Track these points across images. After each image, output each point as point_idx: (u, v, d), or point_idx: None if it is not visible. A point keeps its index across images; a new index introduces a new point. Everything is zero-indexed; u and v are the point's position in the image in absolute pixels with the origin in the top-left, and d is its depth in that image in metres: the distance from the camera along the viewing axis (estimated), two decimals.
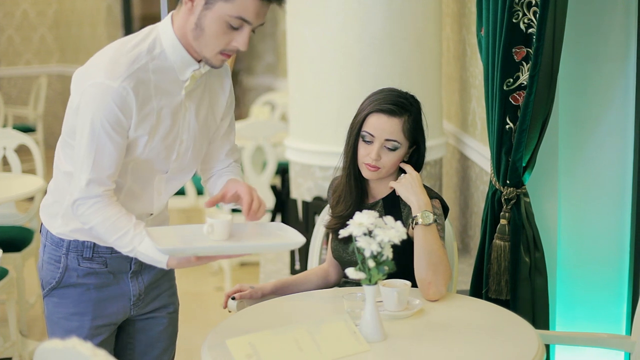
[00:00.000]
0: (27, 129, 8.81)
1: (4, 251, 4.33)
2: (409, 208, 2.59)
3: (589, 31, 3.10)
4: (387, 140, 2.59)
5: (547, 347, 3.00)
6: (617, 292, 3.23)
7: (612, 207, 3.19)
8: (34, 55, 10.80)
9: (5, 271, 3.98)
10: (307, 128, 4.22)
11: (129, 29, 10.08)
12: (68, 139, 2.30)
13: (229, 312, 2.61)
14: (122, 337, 2.54)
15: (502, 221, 3.01)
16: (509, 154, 2.94)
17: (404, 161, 2.66)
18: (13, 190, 4.39)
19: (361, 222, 2.09)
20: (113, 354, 2.51)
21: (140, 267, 2.42)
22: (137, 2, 10.63)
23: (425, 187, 2.60)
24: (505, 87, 2.89)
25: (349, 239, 2.13)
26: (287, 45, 4.38)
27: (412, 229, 2.52)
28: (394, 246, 2.11)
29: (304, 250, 3.86)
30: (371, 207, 2.68)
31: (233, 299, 2.61)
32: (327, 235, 2.91)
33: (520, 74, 2.87)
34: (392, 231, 2.09)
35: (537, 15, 2.79)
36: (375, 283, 2.13)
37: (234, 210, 5.35)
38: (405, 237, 2.11)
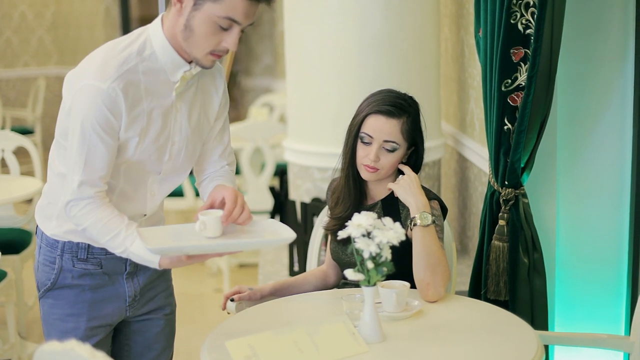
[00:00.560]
0: (26, 131, 8.81)
1: (3, 253, 4.33)
2: (408, 209, 2.59)
3: (586, 32, 3.11)
4: (386, 141, 2.59)
5: (546, 347, 3.00)
6: (616, 293, 3.23)
7: (611, 207, 3.19)
8: (32, 57, 10.79)
9: (4, 273, 3.98)
10: (306, 129, 4.22)
11: (127, 31, 10.06)
12: (61, 141, 2.30)
13: (228, 313, 2.60)
14: (119, 339, 2.53)
15: (501, 222, 3.01)
16: (508, 155, 2.94)
17: (402, 162, 2.66)
18: (11, 192, 4.39)
19: (360, 223, 2.09)
20: (110, 356, 2.51)
21: (135, 268, 2.42)
22: (135, 3, 10.64)
23: (423, 188, 2.60)
24: (503, 88, 2.90)
25: (348, 240, 2.13)
26: (285, 47, 4.38)
27: (411, 230, 2.52)
28: (392, 247, 2.11)
29: (303, 252, 3.86)
30: (370, 209, 2.68)
31: (232, 300, 2.61)
32: (325, 237, 2.91)
33: (518, 74, 2.88)
34: (390, 232, 2.09)
35: (535, 16, 2.79)
36: (374, 284, 2.13)
37: None
38: (404, 238, 2.11)
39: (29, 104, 9.35)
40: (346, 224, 2.12)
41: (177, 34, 2.21)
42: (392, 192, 2.64)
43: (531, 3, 2.81)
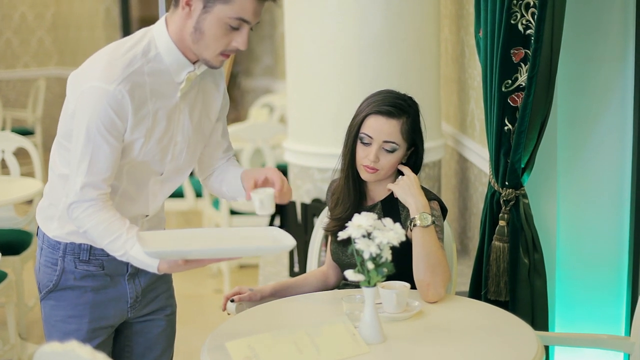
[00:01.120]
0: (26, 132, 8.81)
1: (3, 254, 4.32)
2: (408, 210, 2.58)
3: (587, 32, 3.11)
4: (386, 142, 2.59)
5: (547, 348, 3.00)
6: (616, 293, 3.23)
7: (611, 208, 3.19)
8: (32, 58, 10.79)
9: (4, 274, 3.98)
10: (306, 130, 4.22)
11: (127, 32, 10.07)
12: (63, 142, 2.30)
13: (228, 314, 2.60)
14: (120, 340, 2.53)
15: (501, 222, 3.01)
16: (508, 155, 2.94)
17: (402, 163, 2.66)
18: (12, 193, 4.39)
19: (360, 224, 2.09)
20: (111, 357, 2.51)
21: (137, 270, 2.42)
22: (135, 4, 10.64)
23: (423, 188, 2.60)
24: (503, 89, 2.90)
25: (348, 241, 2.13)
26: (285, 47, 4.38)
27: (411, 230, 2.52)
28: (392, 248, 2.11)
29: (303, 253, 3.86)
30: (370, 209, 2.68)
31: (232, 301, 2.61)
32: (326, 238, 2.91)
33: (518, 75, 2.88)
34: (390, 233, 2.09)
35: (535, 17, 2.79)
36: (374, 285, 2.13)
37: (232, 212, 5.35)
38: (404, 239, 2.11)
39: (29, 104, 9.35)
40: (346, 224, 2.12)
41: (185, 36, 2.21)
42: (392, 193, 2.64)
43: (531, 3, 2.81)
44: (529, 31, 2.83)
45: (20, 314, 4.49)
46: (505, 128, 2.93)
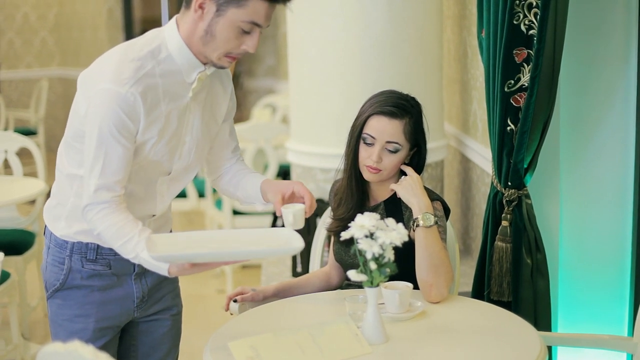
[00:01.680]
0: (29, 132, 8.82)
1: (6, 254, 4.33)
2: (411, 210, 2.58)
3: (589, 32, 3.10)
4: (388, 142, 2.59)
5: (549, 348, 3.00)
6: (619, 294, 3.23)
7: (614, 208, 3.19)
8: (35, 58, 10.81)
9: (7, 274, 3.98)
10: (308, 130, 4.22)
11: (129, 32, 10.09)
12: (73, 142, 2.30)
13: (231, 314, 2.61)
14: (126, 339, 2.54)
15: (504, 223, 3.01)
16: (510, 156, 2.94)
17: (405, 163, 2.66)
18: (14, 194, 4.39)
19: (363, 224, 2.09)
20: (116, 356, 2.52)
21: (143, 270, 2.42)
22: (138, 4, 10.65)
23: (426, 189, 2.60)
24: (506, 89, 2.89)
25: (351, 241, 2.13)
26: (287, 48, 4.38)
27: (414, 231, 2.52)
28: (395, 248, 2.11)
29: (306, 253, 3.86)
30: (373, 210, 2.68)
31: (235, 301, 2.61)
32: (328, 238, 2.91)
33: (521, 75, 2.87)
34: (393, 233, 2.09)
35: (538, 17, 2.79)
36: (377, 285, 2.13)
37: (235, 213, 5.35)
38: (406, 239, 2.11)
39: (32, 105, 9.36)
40: (349, 225, 2.12)
41: (195, 39, 2.22)
42: (395, 193, 2.64)
43: (534, 4, 2.81)
44: (531, 31, 2.83)
45: (23, 314, 4.50)
46: (508, 128, 2.92)
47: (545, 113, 2.90)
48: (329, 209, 2.82)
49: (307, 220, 4.12)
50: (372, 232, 2.08)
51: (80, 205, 2.27)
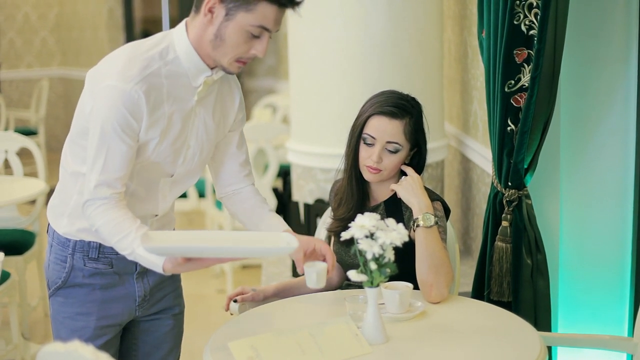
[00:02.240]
0: (29, 132, 8.82)
1: (6, 254, 4.33)
2: (411, 210, 2.58)
3: (590, 33, 3.10)
4: (389, 142, 2.59)
5: (549, 348, 3.00)
6: (619, 294, 3.23)
7: (614, 208, 3.19)
8: (35, 58, 10.81)
9: (7, 274, 3.99)
10: (309, 130, 4.22)
11: (130, 32, 10.08)
12: (77, 139, 2.31)
13: (231, 314, 2.61)
14: (127, 338, 2.54)
15: (504, 223, 3.01)
16: (511, 156, 2.94)
17: (405, 163, 2.66)
18: (15, 194, 4.40)
19: (363, 224, 2.09)
20: (118, 355, 2.52)
21: (145, 269, 2.43)
22: (138, 4, 10.65)
23: (426, 189, 2.60)
24: (506, 89, 2.89)
25: (351, 241, 2.13)
26: (288, 48, 4.39)
27: (414, 231, 2.52)
28: (395, 248, 2.11)
29: None
30: (373, 210, 2.68)
31: (235, 301, 2.61)
32: (328, 238, 2.91)
33: (521, 75, 2.88)
34: (393, 233, 2.09)
35: (538, 17, 2.79)
36: (377, 285, 2.13)
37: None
38: (407, 239, 2.11)
39: (32, 105, 9.36)
40: (349, 225, 2.12)
41: (204, 42, 2.23)
42: (395, 193, 2.64)
43: (534, 4, 2.81)
44: (532, 32, 2.83)
45: (23, 313, 4.50)
46: (508, 129, 2.92)
47: (546, 113, 2.90)
48: (329, 209, 2.82)
49: (307, 221, 4.15)
50: (373, 233, 2.08)
51: (81, 205, 2.28)
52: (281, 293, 2.68)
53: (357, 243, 2.09)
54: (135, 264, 2.40)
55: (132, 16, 10.20)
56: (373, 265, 2.08)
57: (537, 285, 3.00)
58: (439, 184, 4.29)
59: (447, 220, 2.67)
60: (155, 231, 2.28)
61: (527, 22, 2.84)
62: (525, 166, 2.95)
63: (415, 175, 2.61)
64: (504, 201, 3.00)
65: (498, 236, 3.03)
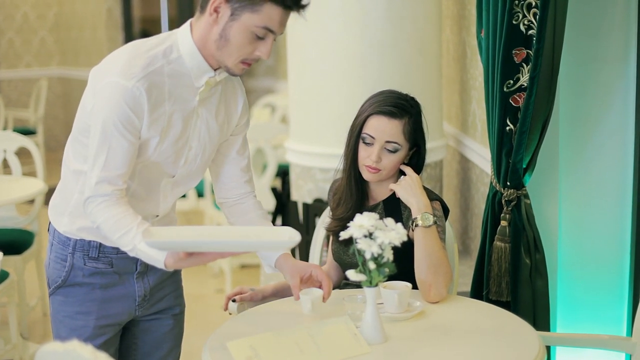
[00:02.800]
0: (28, 132, 8.82)
1: (5, 254, 4.32)
2: (410, 210, 2.58)
3: (589, 32, 3.11)
4: (388, 142, 2.59)
5: (548, 348, 3.00)
6: (618, 294, 3.23)
7: (613, 208, 3.19)
8: (34, 57, 10.81)
9: (5, 274, 3.98)
10: (308, 130, 4.22)
11: (129, 32, 10.08)
12: (80, 137, 2.31)
13: (230, 314, 2.61)
14: (127, 338, 2.54)
15: (503, 223, 3.01)
16: (510, 156, 2.94)
17: (404, 163, 2.66)
18: (13, 193, 4.39)
19: (362, 224, 2.09)
20: (117, 354, 2.52)
21: (145, 268, 2.43)
22: (137, 4, 10.64)
23: (425, 188, 2.60)
24: (505, 89, 2.89)
25: (350, 241, 2.13)
26: (287, 47, 4.39)
27: (412, 231, 2.52)
28: (394, 248, 2.11)
29: (305, 253, 3.86)
30: (372, 209, 2.68)
31: (234, 301, 2.61)
32: (327, 238, 2.91)
33: (520, 75, 2.88)
34: (392, 233, 2.09)
35: (537, 17, 2.79)
36: (376, 285, 2.13)
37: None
38: (405, 239, 2.11)
39: (31, 104, 9.36)
40: (348, 224, 2.12)
41: (209, 43, 2.23)
42: (394, 193, 2.64)
43: (533, 4, 2.81)
44: (530, 31, 2.83)
45: (22, 313, 4.49)
46: (507, 128, 2.93)
47: (545, 113, 2.90)
48: (328, 208, 2.82)
49: (306, 220, 4.15)
50: (371, 232, 2.08)
51: (82, 202, 2.28)
52: (280, 293, 2.68)
53: (356, 243, 2.09)
54: (136, 263, 2.40)
55: (131, 16, 10.20)
56: (372, 265, 2.08)
57: (536, 285, 3.00)
58: (438, 184, 4.29)
59: (445, 220, 2.67)
60: (157, 227, 2.28)
61: (526, 22, 2.84)
62: (524, 166, 2.95)
63: (414, 175, 2.61)
64: (503, 201, 3.00)
65: (497, 236, 3.03)
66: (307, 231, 4.05)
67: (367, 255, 2.08)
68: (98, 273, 2.39)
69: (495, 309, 2.48)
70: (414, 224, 2.51)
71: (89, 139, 2.25)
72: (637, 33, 3.05)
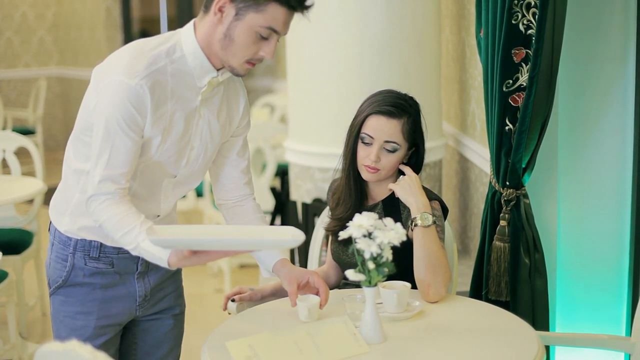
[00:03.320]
0: (27, 132, 8.81)
1: (4, 254, 4.32)
2: (409, 210, 2.58)
3: (588, 32, 3.11)
4: (387, 141, 2.59)
5: (547, 348, 3.00)
6: (617, 293, 3.23)
7: (612, 208, 3.19)
8: (33, 57, 10.80)
9: (4, 274, 3.98)
10: (307, 130, 4.22)
11: (128, 31, 10.08)
12: (81, 135, 2.31)
13: (229, 314, 2.60)
14: (127, 337, 2.54)
15: (502, 222, 3.01)
16: (509, 155, 2.94)
17: (403, 163, 2.66)
18: (13, 193, 4.39)
19: (361, 223, 2.09)
20: (118, 354, 2.52)
21: (146, 268, 2.43)
22: (136, 4, 10.64)
23: (424, 188, 2.60)
24: (504, 89, 2.90)
25: (349, 240, 2.13)
26: (286, 47, 4.39)
27: (412, 230, 2.52)
28: (393, 248, 2.11)
29: (304, 253, 3.86)
30: (371, 209, 2.68)
31: (233, 301, 2.61)
32: (326, 237, 2.91)
33: (519, 75, 2.88)
34: (391, 233, 2.09)
35: (537, 17, 2.79)
36: (375, 285, 2.13)
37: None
38: (404, 238, 2.11)
39: (30, 104, 9.35)
40: (347, 224, 2.12)
41: (213, 42, 2.23)
42: (393, 193, 2.64)
43: (532, 3, 2.81)
44: (530, 31, 2.83)
45: (21, 313, 4.49)
46: (506, 128, 2.93)
47: (544, 113, 2.90)
48: (327, 208, 2.82)
49: (305, 220, 4.15)
50: (370, 232, 2.08)
51: (84, 202, 2.27)
52: (279, 292, 2.68)
53: (355, 242, 2.09)
54: (136, 263, 2.40)
55: (129, 15, 10.19)
56: (371, 265, 2.08)
57: (535, 284, 3.00)
58: (437, 184, 4.29)
59: (445, 220, 2.67)
60: (160, 225, 2.27)
61: (525, 22, 2.84)
62: (523, 165, 2.95)
63: (413, 174, 2.61)
64: (502, 200, 3.00)
65: (496, 235, 3.03)
66: (306, 231, 4.05)
67: (366, 255, 2.08)
68: (99, 273, 2.39)
69: (494, 308, 2.48)
70: (413, 224, 2.51)
71: (91, 137, 2.25)
72: (636, 33, 3.05)
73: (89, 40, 10.32)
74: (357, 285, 2.58)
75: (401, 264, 2.28)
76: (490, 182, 3.06)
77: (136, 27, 10.48)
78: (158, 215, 2.43)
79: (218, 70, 2.28)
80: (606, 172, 3.18)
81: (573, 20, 3.03)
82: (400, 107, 2.61)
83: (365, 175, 2.64)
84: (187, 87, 2.27)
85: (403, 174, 2.64)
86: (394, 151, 2.60)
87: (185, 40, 2.26)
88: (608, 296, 3.24)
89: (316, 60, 4.09)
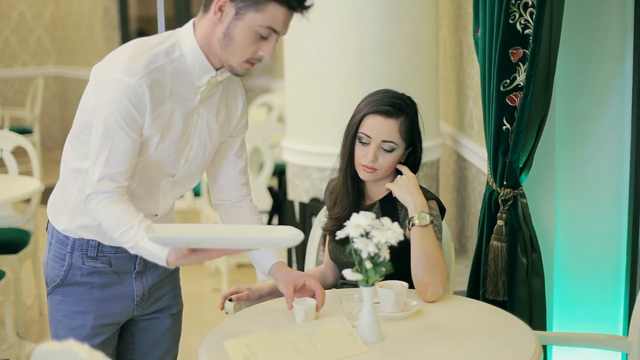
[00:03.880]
0: (24, 131, 8.81)
1: (1, 253, 4.33)
2: (406, 209, 2.59)
3: (585, 32, 3.11)
4: (384, 141, 2.59)
5: (545, 347, 3.00)
6: (614, 293, 3.24)
7: (609, 207, 3.20)
8: (30, 56, 10.79)
9: (2, 273, 3.98)
10: (304, 129, 4.22)
11: (125, 31, 10.07)
12: (80, 134, 2.31)
13: (226, 313, 2.60)
14: (125, 337, 2.54)
15: (499, 222, 3.01)
16: (506, 155, 2.94)
17: (400, 162, 2.66)
18: (10, 192, 4.39)
19: (358, 223, 2.09)
20: (115, 354, 2.52)
21: (144, 268, 2.43)
22: (133, 3, 10.63)
23: (421, 188, 2.60)
24: (502, 88, 2.90)
25: (346, 240, 2.13)
26: (284, 47, 4.39)
27: (409, 230, 2.52)
28: (391, 247, 2.11)
29: (301, 252, 3.86)
30: (368, 209, 2.68)
31: (230, 300, 2.61)
32: (324, 237, 2.91)
33: (516, 75, 2.88)
34: (389, 232, 2.09)
35: (534, 16, 2.79)
36: (373, 284, 2.13)
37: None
38: (402, 238, 2.11)
39: (28, 103, 9.35)
40: (344, 224, 2.12)
41: (213, 42, 2.23)
42: (391, 192, 2.64)
43: (530, 3, 2.81)
44: (527, 31, 2.84)
45: (18, 312, 4.49)
46: (504, 127, 2.93)
47: (541, 112, 2.90)
48: (325, 208, 2.82)
49: (302, 219, 4.14)
50: (368, 231, 2.08)
51: (82, 200, 2.27)
52: (276, 292, 2.67)
53: (353, 242, 2.09)
54: (134, 263, 2.40)
55: (127, 15, 10.19)
56: (368, 264, 2.08)
57: (532, 284, 3.00)
58: (434, 183, 4.29)
59: (442, 219, 2.67)
60: (158, 224, 2.27)
61: (522, 21, 2.84)
62: (521, 165, 2.95)
63: (411, 174, 2.61)
64: (499, 200, 3.00)
65: (493, 235, 3.03)
66: (303, 230, 4.03)
67: (364, 255, 2.08)
68: (96, 272, 2.39)
69: (491, 308, 2.48)
70: (410, 224, 2.51)
71: (90, 136, 2.25)
72: (634, 32, 3.05)
73: (86, 39, 10.31)
74: (354, 284, 2.58)
75: (398, 263, 2.28)
76: (488, 182, 3.06)
77: (134, 26, 10.47)
78: (156, 215, 2.43)
79: (217, 69, 2.28)
80: (603, 171, 3.18)
81: (570, 19, 3.04)
82: (398, 106, 2.61)
83: (362, 174, 2.64)
84: (186, 87, 2.27)
85: (400, 173, 2.64)
86: (391, 151, 2.60)
87: (185, 40, 2.26)
88: (605, 296, 3.24)
89: (314, 59, 4.09)
